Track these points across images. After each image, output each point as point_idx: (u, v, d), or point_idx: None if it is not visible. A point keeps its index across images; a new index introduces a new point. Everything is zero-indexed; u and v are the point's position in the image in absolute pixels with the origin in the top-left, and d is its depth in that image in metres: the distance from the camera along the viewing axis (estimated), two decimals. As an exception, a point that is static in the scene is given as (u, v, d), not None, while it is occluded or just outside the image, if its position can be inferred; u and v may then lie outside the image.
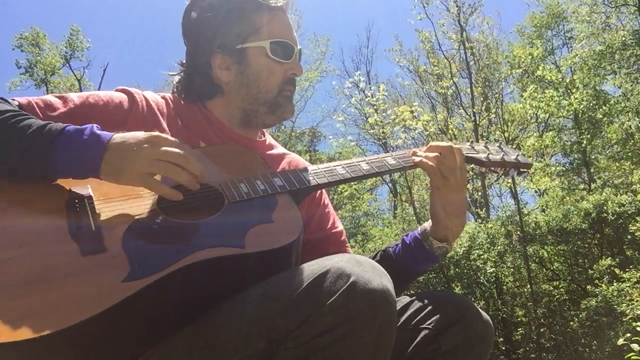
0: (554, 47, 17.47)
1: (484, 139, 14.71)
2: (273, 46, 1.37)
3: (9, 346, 0.81)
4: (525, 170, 1.52)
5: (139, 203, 1.11)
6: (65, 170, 1.07)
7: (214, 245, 1.02)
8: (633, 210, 11.81)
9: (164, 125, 1.35)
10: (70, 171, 1.08)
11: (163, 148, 1.07)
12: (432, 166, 1.31)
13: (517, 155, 1.51)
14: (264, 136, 1.56)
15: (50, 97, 1.26)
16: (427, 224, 1.39)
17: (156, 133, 1.10)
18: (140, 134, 1.09)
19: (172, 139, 1.10)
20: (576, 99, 14.26)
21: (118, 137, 1.08)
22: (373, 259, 1.41)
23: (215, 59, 1.40)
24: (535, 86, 14.97)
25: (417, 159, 1.34)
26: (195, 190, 1.17)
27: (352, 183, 16.62)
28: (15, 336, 0.82)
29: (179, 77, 1.46)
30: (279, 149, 1.58)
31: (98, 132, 1.08)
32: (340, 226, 1.57)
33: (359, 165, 1.35)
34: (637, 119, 14.91)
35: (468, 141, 1.55)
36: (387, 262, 1.37)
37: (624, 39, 14.41)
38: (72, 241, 0.99)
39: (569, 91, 14.56)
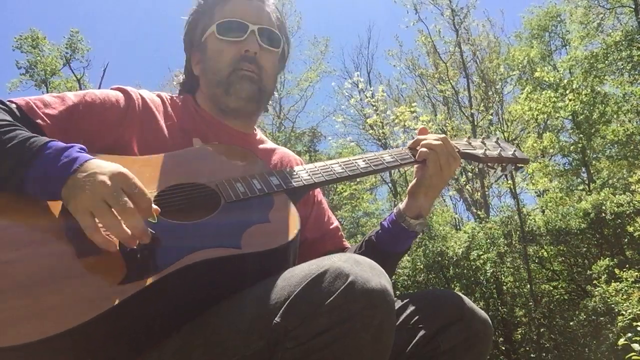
0: (553, 49, 17.53)
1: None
2: (219, 27, 1.42)
3: (5, 350, 0.81)
4: (522, 165, 1.52)
5: None
6: (35, 192, 1.03)
7: (210, 246, 1.01)
8: (631, 210, 11.80)
9: (161, 122, 1.36)
10: (38, 194, 1.03)
11: (115, 191, 0.95)
12: (436, 158, 1.37)
13: (515, 151, 1.51)
14: (255, 130, 1.58)
15: (47, 97, 1.25)
16: (401, 205, 1.44)
17: (123, 172, 0.98)
18: (110, 167, 0.99)
19: (137, 184, 0.98)
20: (570, 100, 14.25)
21: (89, 165, 1.00)
22: (359, 249, 1.45)
23: (193, 58, 1.50)
24: (531, 87, 14.98)
25: (424, 149, 1.39)
26: (192, 190, 1.16)
27: (352, 183, 16.64)
28: (12, 340, 0.81)
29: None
30: (269, 144, 1.59)
31: (75, 155, 1.02)
32: (335, 222, 1.60)
33: (355, 162, 1.35)
34: (637, 120, 14.91)
35: (465, 137, 1.55)
36: (373, 249, 1.41)
37: (619, 39, 14.42)
38: (68, 243, 0.98)
39: (566, 92, 14.54)
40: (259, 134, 1.59)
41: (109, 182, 0.95)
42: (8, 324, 0.84)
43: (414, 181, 1.44)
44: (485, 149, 1.49)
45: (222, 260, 0.99)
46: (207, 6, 1.46)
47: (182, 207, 1.13)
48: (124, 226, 0.94)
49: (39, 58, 16.47)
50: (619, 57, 14.65)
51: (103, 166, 0.99)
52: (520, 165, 1.52)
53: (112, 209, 0.94)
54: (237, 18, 1.41)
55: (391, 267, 1.47)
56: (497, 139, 1.57)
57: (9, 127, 1.07)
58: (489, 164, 1.50)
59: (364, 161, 1.36)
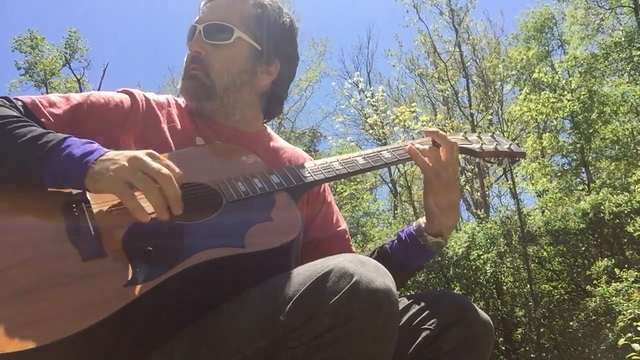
0: (550, 50, 17.55)
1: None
2: (187, 38, 1.43)
3: (12, 356, 0.81)
4: (518, 159, 1.52)
5: None
6: (55, 183, 1.06)
7: (214, 246, 1.01)
8: (629, 210, 11.79)
9: (163, 125, 1.36)
10: (60, 184, 1.07)
11: (151, 161, 1.02)
12: (425, 161, 1.33)
13: (510, 145, 1.50)
14: (264, 127, 1.56)
15: (53, 96, 1.27)
16: (422, 220, 1.41)
17: (151, 151, 1.07)
18: (136, 151, 1.06)
19: (167, 160, 1.06)
20: (569, 100, 14.23)
21: (113, 152, 1.06)
22: (370, 257, 1.41)
23: None
24: (530, 88, 14.97)
25: (413, 150, 1.35)
26: (193, 190, 1.16)
27: (352, 183, 16.62)
28: (19, 346, 0.81)
29: None
30: (280, 142, 1.57)
31: (95, 146, 1.07)
32: (343, 224, 1.57)
33: (355, 160, 1.34)
34: (637, 120, 14.91)
35: (461, 132, 1.54)
36: (384, 259, 1.37)
37: (619, 39, 14.42)
38: (72, 246, 0.98)
39: (564, 93, 14.52)
40: (269, 131, 1.57)
41: (141, 156, 1.03)
42: (12, 329, 0.84)
43: (423, 194, 1.40)
44: (482, 144, 1.48)
45: (226, 260, 0.99)
46: None
47: (184, 206, 1.13)
48: (159, 193, 1.00)
49: (38, 58, 16.47)
50: (619, 58, 14.66)
51: (126, 151, 1.06)
52: (516, 159, 1.51)
53: (148, 177, 1.00)
54: (194, 22, 1.42)
55: (401, 281, 1.43)
56: (493, 133, 1.56)
57: (22, 122, 1.10)
58: (485, 158, 1.49)
59: (363, 158, 1.35)
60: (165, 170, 1.01)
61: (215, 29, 1.39)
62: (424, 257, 1.40)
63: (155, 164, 1.02)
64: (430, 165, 1.33)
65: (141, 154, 1.04)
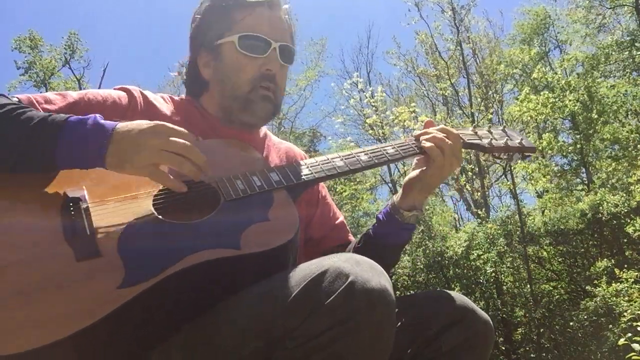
0: (547, 50, 17.54)
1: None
2: (242, 40, 1.37)
3: (11, 358, 0.80)
4: (529, 154, 1.47)
5: (135, 205, 1.09)
6: (70, 161, 1.06)
7: (210, 246, 1.00)
8: (626, 210, 11.77)
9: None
10: (75, 161, 1.06)
11: (169, 138, 1.06)
12: (437, 151, 1.32)
13: (522, 139, 1.46)
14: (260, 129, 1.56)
15: (50, 94, 1.26)
16: (395, 197, 1.42)
17: (161, 122, 1.09)
18: (144, 123, 1.07)
19: (177, 128, 1.09)
20: (570, 100, 14.22)
21: (122, 126, 1.07)
22: (358, 244, 1.45)
23: (201, 58, 1.44)
24: (529, 89, 14.95)
25: (427, 140, 1.34)
26: (191, 188, 1.16)
27: (352, 183, 16.63)
28: (12, 349, 0.81)
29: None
30: (274, 139, 1.58)
31: (101, 121, 1.08)
32: (340, 217, 1.59)
33: (357, 156, 1.31)
34: (637, 120, 14.91)
35: (471, 126, 1.50)
36: (370, 242, 1.41)
37: (620, 39, 14.42)
38: (67, 246, 0.97)
39: (564, 93, 14.50)
40: (264, 131, 1.58)
41: (157, 133, 1.06)
42: (10, 331, 0.84)
43: (412, 175, 1.40)
44: (492, 138, 1.44)
45: (221, 261, 0.98)
46: (224, 8, 1.39)
47: (181, 205, 1.12)
48: (190, 163, 1.07)
49: (37, 59, 16.47)
50: (620, 58, 14.65)
51: (139, 124, 1.07)
52: (527, 154, 1.46)
53: (173, 153, 1.05)
54: (260, 33, 1.37)
55: (391, 260, 1.45)
56: (504, 127, 1.51)
57: (24, 107, 1.09)
58: (495, 153, 1.45)
59: (366, 154, 1.32)
60: (186, 142, 1.07)
61: (288, 52, 1.43)
62: (405, 232, 1.42)
63: (175, 140, 1.07)
64: (441, 154, 1.33)
65: (152, 131, 1.06)
